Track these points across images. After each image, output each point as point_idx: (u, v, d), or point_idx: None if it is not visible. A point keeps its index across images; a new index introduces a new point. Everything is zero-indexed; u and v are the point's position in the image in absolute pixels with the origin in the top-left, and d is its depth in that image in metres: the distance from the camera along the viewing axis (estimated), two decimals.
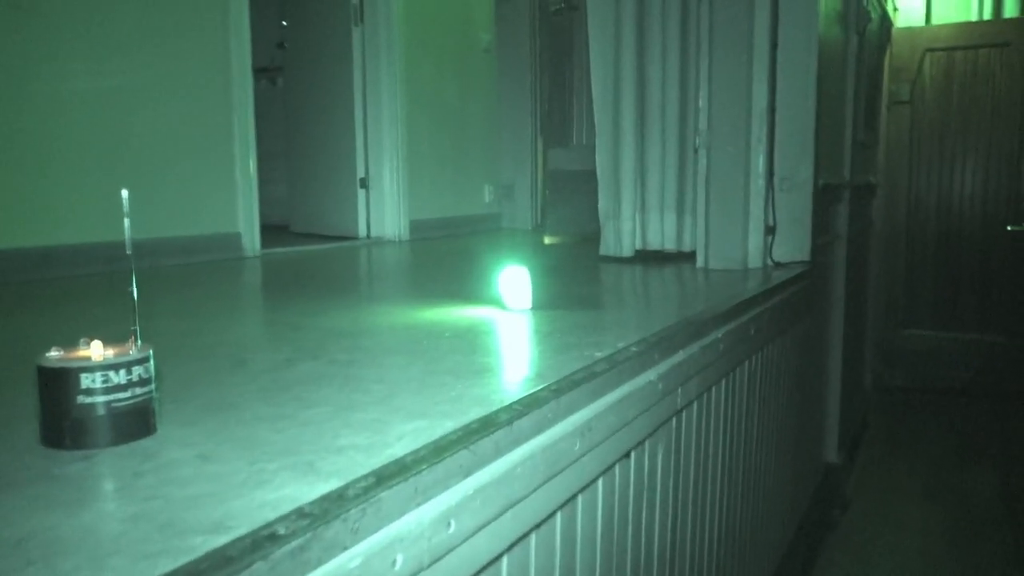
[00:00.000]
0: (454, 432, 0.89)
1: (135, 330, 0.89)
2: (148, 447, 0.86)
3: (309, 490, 0.73)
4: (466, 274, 2.83)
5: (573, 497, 1.17)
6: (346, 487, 0.73)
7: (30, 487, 0.75)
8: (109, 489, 0.76)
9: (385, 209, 4.20)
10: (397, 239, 4.20)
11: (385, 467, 0.78)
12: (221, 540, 0.63)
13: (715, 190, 2.59)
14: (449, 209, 4.61)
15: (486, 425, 0.92)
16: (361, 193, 4.24)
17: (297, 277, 2.79)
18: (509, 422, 0.95)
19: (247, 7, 3.28)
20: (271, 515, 0.67)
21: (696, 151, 2.67)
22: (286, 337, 1.58)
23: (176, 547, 0.62)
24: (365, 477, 0.75)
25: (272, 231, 4.07)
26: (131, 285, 0.92)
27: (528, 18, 4.91)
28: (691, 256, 2.73)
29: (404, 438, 0.88)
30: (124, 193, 0.93)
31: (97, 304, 2.11)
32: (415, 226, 4.28)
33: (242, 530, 0.64)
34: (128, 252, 0.93)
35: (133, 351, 0.87)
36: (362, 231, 4.25)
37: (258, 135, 3.37)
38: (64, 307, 2.08)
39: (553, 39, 4.95)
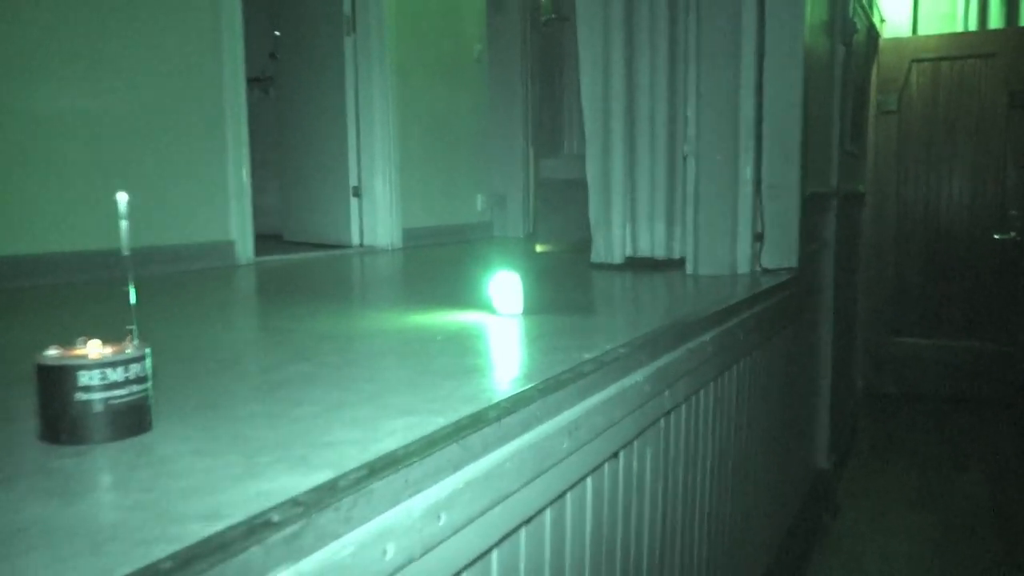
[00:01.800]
0: (444, 427, 0.92)
1: (132, 329, 0.91)
2: (144, 443, 0.88)
3: (302, 481, 0.75)
4: (457, 280, 2.85)
5: (562, 495, 1.19)
6: (339, 478, 0.75)
7: (28, 479, 0.77)
8: (106, 481, 0.78)
9: (377, 217, 4.23)
10: (390, 247, 4.22)
11: (377, 460, 0.80)
12: (216, 528, 0.65)
13: (704, 198, 2.62)
14: (441, 218, 4.64)
15: (475, 421, 0.95)
16: (354, 202, 4.26)
17: (289, 284, 2.81)
18: (498, 419, 0.97)
19: (239, 18, 3.31)
20: (265, 505, 0.69)
21: (685, 159, 2.70)
22: (277, 340, 1.60)
23: (172, 534, 0.64)
24: (358, 469, 0.77)
25: (265, 240, 4.09)
26: (127, 285, 0.94)
27: (519, 29, 4.95)
28: (681, 263, 2.76)
29: (395, 434, 0.90)
30: (122, 196, 0.95)
31: (92, 308, 2.12)
32: (407, 234, 4.31)
33: (237, 518, 0.66)
34: (125, 253, 0.95)
35: (130, 349, 0.89)
36: (355, 239, 4.27)
37: (251, 145, 3.39)
38: (59, 311, 2.09)
39: (544, 49, 5.00)
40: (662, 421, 1.60)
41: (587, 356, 1.31)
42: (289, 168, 4.64)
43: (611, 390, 1.30)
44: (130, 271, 0.93)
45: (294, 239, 4.56)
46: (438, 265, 3.52)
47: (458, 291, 2.44)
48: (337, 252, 4.09)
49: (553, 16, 4.97)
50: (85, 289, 2.47)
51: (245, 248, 3.34)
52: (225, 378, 1.22)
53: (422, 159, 4.45)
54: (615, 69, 2.83)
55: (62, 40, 2.65)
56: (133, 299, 0.92)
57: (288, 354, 1.40)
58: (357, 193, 4.26)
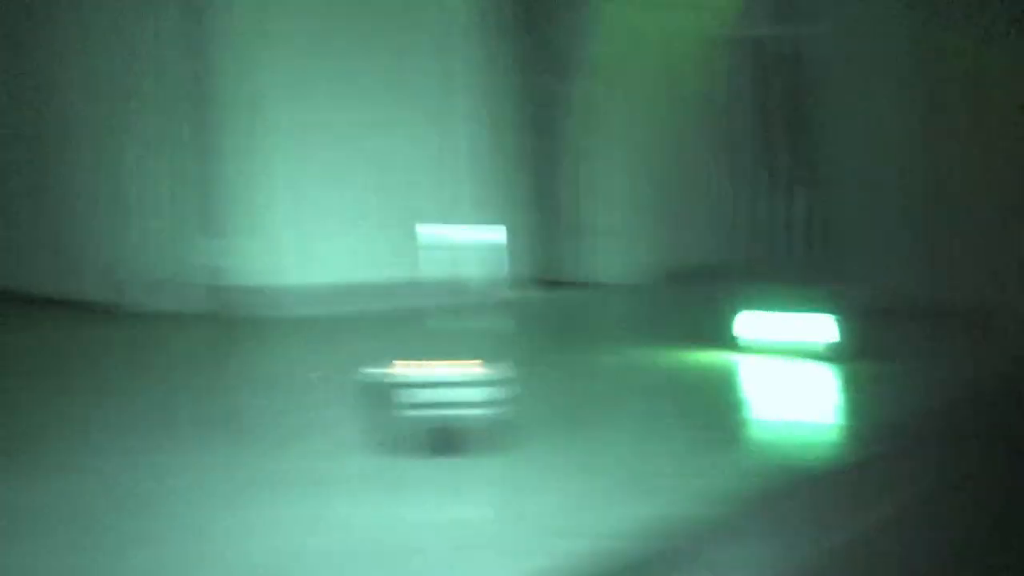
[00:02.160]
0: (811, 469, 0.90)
1: (490, 350, 0.98)
2: (501, 460, 0.95)
3: (662, 511, 0.76)
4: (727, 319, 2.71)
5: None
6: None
7: (400, 490, 0.86)
8: (473, 493, 0.85)
9: (622, 256, 4.27)
10: (631, 284, 4.22)
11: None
12: (582, 544, 0.66)
13: None
14: (680, 256, 4.54)
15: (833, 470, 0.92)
16: (595, 239, 4.33)
17: (565, 319, 2.87)
18: (858, 470, 0.94)
19: (510, 70, 3.55)
20: (623, 527, 0.71)
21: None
22: (589, 373, 1.67)
23: (546, 547, 0.67)
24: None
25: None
26: (473, 312, 1.02)
27: (752, 66, 4.79)
28: None
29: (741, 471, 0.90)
30: (440, 230, 1.03)
31: (412, 333, 2.26)
32: (652, 272, 4.28)
33: (603, 538, 0.68)
34: (466, 286, 1.03)
35: (490, 371, 0.95)
36: (595, 276, 4.31)
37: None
38: (372, 336, 2.28)
39: (777, 84, 4.77)
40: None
41: (913, 412, 1.23)
42: (531, 209, 4.78)
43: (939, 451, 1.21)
44: (480, 301, 1.01)
45: (542, 276, 4.66)
46: (694, 302, 3.37)
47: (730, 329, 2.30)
48: (581, 289, 4.15)
49: (785, 51, 4.73)
50: (368, 318, 2.65)
51: (511, 284, 3.48)
52: (552, 405, 1.29)
53: (659, 198, 4.44)
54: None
55: (357, 85, 3.01)
56: (487, 324, 1.00)
57: (608, 386, 1.47)
58: (600, 232, 4.32)
